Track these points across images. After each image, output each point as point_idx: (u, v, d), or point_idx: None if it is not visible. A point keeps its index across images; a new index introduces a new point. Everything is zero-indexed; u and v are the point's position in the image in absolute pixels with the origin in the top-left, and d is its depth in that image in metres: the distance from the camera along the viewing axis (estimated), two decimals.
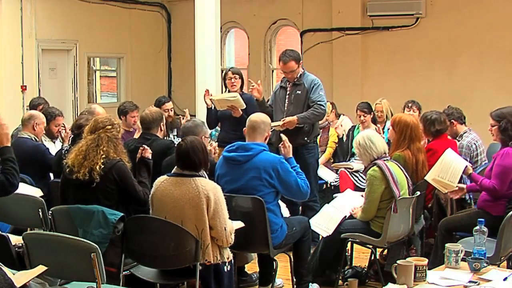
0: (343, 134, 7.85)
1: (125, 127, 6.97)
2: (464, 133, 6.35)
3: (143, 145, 5.06)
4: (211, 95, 7.02)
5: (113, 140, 4.58)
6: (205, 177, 4.39)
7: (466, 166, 5.31)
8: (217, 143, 6.75)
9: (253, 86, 6.52)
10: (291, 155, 4.99)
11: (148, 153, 4.99)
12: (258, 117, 5.07)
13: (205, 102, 7.00)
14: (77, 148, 4.59)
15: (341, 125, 8.00)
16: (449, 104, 6.71)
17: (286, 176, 4.78)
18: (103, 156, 4.47)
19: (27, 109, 9.40)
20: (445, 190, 5.39)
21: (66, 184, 4.62)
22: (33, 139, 6.03)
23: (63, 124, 6.66)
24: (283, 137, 5.13)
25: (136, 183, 4.63)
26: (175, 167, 4.39)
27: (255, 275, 5.50)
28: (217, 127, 7.46)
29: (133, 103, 7.55)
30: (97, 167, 4.43)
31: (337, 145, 7.87)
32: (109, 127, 4.59)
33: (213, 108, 6.92)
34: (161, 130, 5.66)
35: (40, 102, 7.53)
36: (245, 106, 6.63)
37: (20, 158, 5.91)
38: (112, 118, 4.75)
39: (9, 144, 4.16)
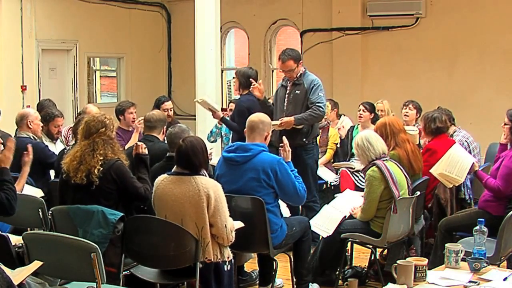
0: (345, 136, 7.85)
1: (124, 127, 6.95)
2: (454, 132, 6.45)
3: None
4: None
5: (109, 141, 4.54)
6: (205, 176, 4.38)
7: (473, 163, 5.30)
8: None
9: (254, 85, 6.51)
10: (289, 160, 4.94)
11: (143, 149, 4.90)
12: (256, 117, 5.03)
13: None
14: (72, 153, 4.55)
15: (343, 126, 7.99)
16: (448, 104, 6.73)
17: (284, 178, 4.75)
18: (101, 158, 4.44)
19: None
20: (450, 184, 5.39)
21: (64, 186, 4.61)
22: (32, 137, 6.01)
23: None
24: (285, 140, 5.03)
25: (135, 181, 4.60)
26: (175, 166, 4.39)
27: (254, 273, 5.50)
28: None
29: (128, 100, 7.53)
30: (95, 170, 4.40)
31: (337, 146, 7.84)
32: (102, 129, 4.53)
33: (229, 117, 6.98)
34: (163, 133, 5.71)
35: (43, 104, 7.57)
36: (217, 109, 6.78)
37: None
38: (103, 117, 4.61)
39: (8, 167, 4.08)
